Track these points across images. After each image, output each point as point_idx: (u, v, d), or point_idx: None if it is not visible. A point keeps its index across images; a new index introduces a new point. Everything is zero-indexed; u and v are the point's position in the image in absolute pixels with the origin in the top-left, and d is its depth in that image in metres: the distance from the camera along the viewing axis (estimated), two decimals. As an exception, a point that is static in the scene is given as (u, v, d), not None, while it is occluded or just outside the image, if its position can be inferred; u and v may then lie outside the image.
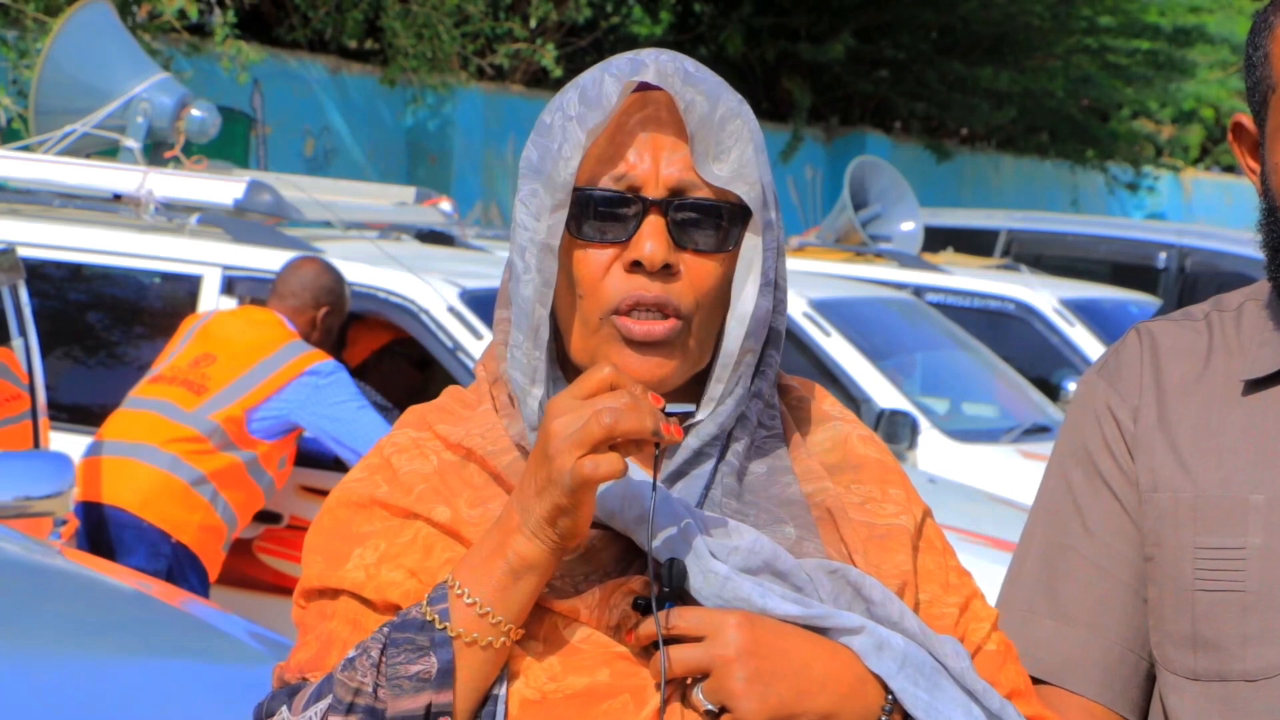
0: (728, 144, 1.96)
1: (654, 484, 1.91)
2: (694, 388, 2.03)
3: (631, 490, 1.92)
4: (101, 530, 6.59)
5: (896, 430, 8.60)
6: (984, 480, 8.47)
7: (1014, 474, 8.66)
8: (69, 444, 6.68)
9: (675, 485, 2.00)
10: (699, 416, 2.01)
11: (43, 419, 5.84)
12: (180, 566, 6.54)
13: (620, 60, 1.99)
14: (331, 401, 6.51)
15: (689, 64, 1.99)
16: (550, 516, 1.87)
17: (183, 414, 6.56)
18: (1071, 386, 9.97)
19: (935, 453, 8.82)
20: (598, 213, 1.96)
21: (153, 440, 6.55)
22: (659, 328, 1.95)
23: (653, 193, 1.96)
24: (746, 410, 2.03)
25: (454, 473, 2.01)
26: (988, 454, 8.93)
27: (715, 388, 2.01)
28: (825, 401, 2.13)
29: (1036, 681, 2.14)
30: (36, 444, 5.79)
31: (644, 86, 1.98)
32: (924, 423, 8.88)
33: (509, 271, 2.03)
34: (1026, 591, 2.19)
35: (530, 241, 1.97)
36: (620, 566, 1.96)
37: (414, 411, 2.09)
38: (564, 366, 2.03)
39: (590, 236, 1.97)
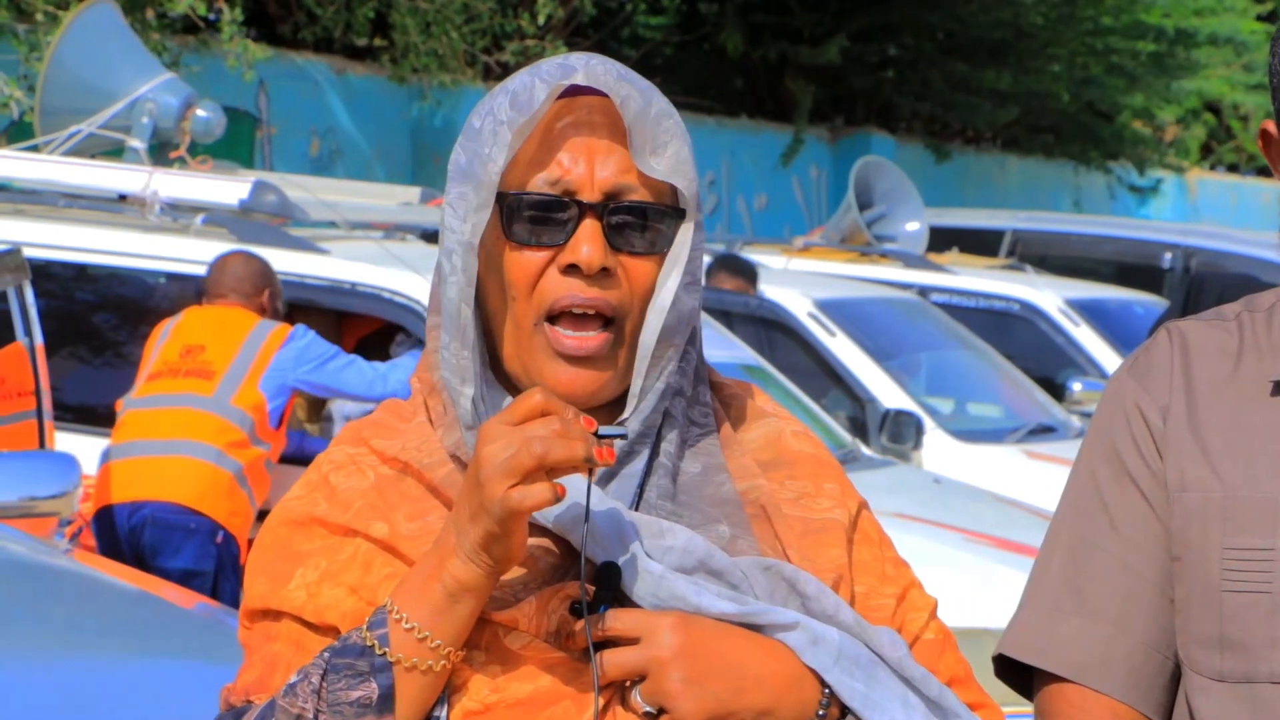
0: (663, 139, 1.97)
1: (586, 505, 1.90)
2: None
3: (567, 496, 1.90)
4: (138, 533, 6.66)
5: (901, 430, 8.61)
6: (989, 480, 8.47)
7: (1019, 474, 8.67)
8: (74, 444, 6.68)
9: (608, 486, 1.99)
10: (624, 414, 2.01)
11: (48, 420, 5.84)
12: (224, 567, 6.67)
13: (550, 64, 2.00)
14: (317, 356, 6.86)
15: (619, 66, 2.00)
16: (484, 542, 1.86)
17: (209, 402, 6.74)
18: (1077, 387, 9.98)
19: (940, 453, 8.82)
20: (532, 216, 1.96)
21: (194, 436, 6.69)
22: (591, 342, 1.96)
23: (588, 196, 1.96)
24: (671, 407, 2.03)
25: (391, 487, 2.00)
26: (993, 454, 8.94)
27: (636, 382, 2.01)
28: (759, 399, 2.13)
29: (1060, 680, 2.14)
30: (42, 444, 5.80)
31: (575, 90, 1.98)
32: (929, 423, 8.89)
33: (438, 276, 2.03)
34: (1052, 589, 2.18)
35: (457, 243, 1.97)
36: (558, 573, 1.95)
37: (350, 428, 2.08)
38: (496, 370, 2.03)
39: (524, 239, 1.96)
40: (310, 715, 1.89)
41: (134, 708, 3.39)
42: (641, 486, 2.01)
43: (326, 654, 1.91)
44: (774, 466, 2.07)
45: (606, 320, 1.97)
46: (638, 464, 2.01)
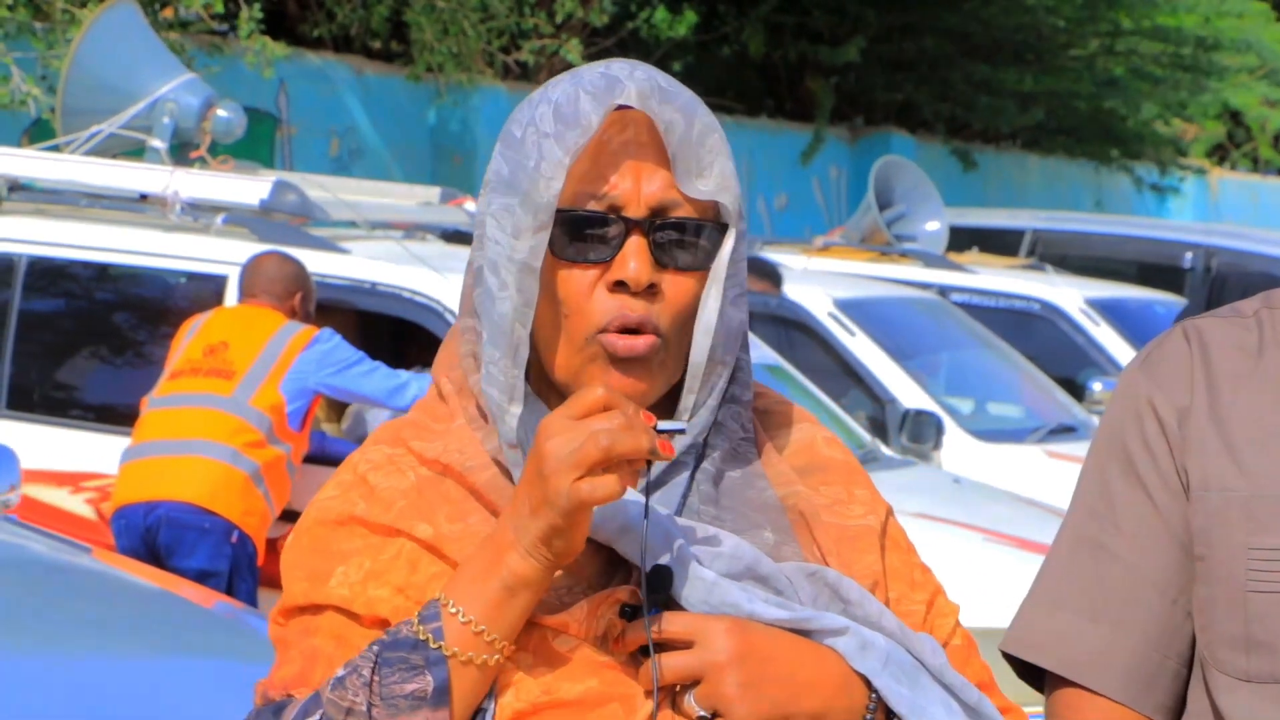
0: (708, 159, 1.98)
1: (645, 499, 1.91)
2: (666, 400, 2.04)
3: (615, 503, 1.91)
4: (154, 532, 6.67)
5: (921, 430, 8.60)
6: (1009, 480, 8.46)
7: (1039, 474, 8.66)
8: (94, 444, 6.70)
9: (654, 495, 2.00)
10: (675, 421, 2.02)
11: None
12: (239, 567, 6.68)
13: (593, 76, 1.99)
14: (340, 361, 6.86)
15: (661, 79, 2.00)
16: (545, 536, 1.88)
17: (226, 402, 6.75)
18: (1097, 386, 9.96)
19: (960, 453, 8.81)
20: (581, 234, 1.96)
21: (209, 435, 6.70)
22: (641, 342, 1.96)
23: (634, 212, 1.96)
24: (722, 415, 2.04)
25: (432, 488, 2.00)
26: (1013, 454, 8.93)
27: (687, 399, 2.02)
28: (790, 406, 2.14)
29: (1059, 679, 2.14)
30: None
31: (623, 106, 1.98)
32: (949, 423, 8.88)
33: (472, 278, 2.02)
34: (1054, 586, 2.17)
35: (507, 259, 1.97)
36: (604, 578, 1.96)
37: (387, 428, 2.08)
38: (537, 381, 2.03)
39: (573, 257, 1.97)
40: (362, 708, 1.89)
41: (156, 706, 3.40)
42: (685, 495, 2.02)
43: (376, 647, 1.91)
44: (808, 472, 2.08)
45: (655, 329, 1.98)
46: (683, 474, 2.02)
